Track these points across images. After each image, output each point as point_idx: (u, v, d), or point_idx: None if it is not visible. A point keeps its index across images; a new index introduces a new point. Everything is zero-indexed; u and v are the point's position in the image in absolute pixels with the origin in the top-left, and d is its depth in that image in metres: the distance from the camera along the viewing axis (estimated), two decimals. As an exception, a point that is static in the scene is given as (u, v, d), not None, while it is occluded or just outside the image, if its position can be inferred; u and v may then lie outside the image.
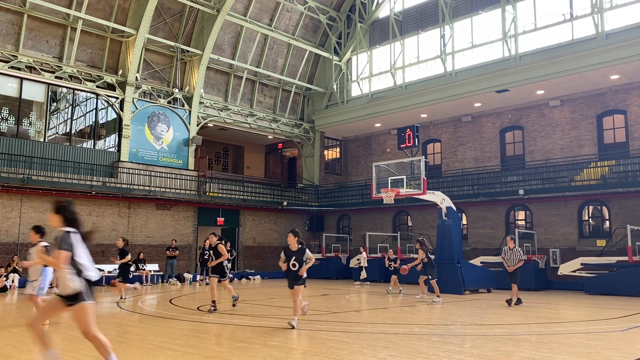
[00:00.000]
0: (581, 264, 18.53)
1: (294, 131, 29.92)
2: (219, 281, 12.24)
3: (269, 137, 30.24)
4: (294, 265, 9.35)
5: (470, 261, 19.62)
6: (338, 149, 31.72)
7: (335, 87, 29.40)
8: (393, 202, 18.46)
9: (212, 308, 11.75)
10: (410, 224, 26.60)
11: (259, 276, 25.20)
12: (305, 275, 9.42)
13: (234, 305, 12.58)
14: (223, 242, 12.81)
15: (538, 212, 21.99)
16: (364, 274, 23.08)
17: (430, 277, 15.33)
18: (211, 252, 12.80)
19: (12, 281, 17.53)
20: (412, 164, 18.45)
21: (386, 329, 9.60)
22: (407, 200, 21.73)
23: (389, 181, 18.40)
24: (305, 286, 9.53)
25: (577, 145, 22.13)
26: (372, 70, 28.36)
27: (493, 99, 23.53)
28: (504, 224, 23.07)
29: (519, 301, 13.65)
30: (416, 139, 20.60)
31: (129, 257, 14.76)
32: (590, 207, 21.28)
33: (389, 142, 28.68)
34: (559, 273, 19.11)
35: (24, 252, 19.14)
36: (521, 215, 23.22)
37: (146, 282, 20.84)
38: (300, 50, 29.04)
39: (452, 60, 24.80)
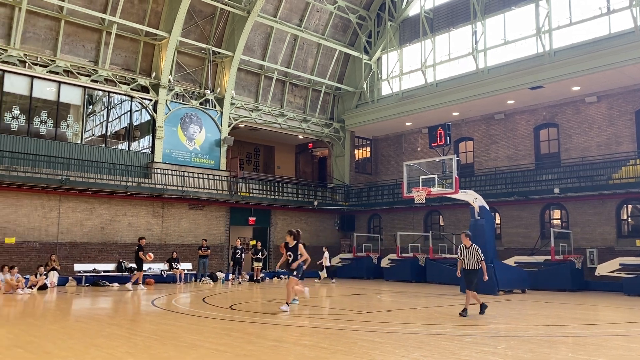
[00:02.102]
0: (620, 264, 17.99)
1: (324, 131, 29.95)
2: None
3: (300, 137, 30.36)
4: None
5: (504, 261, 19.28)
6: (368, 149, 31.62)
7: (365, 86, 29.31)
8: (424, 201, 18.29)
9: None
10: (442, 223, 26.32)
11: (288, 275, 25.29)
12: None
13: None
14: None
15: (574, 211, 21.45)
16: (323, 274, 23.57)
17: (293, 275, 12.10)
18: None
19: (52, 279, 18.03)
20: (443, 162, 18.25)
21: (418, 329, 9.52)
22: (438, 199, 21.52)
23: (420, 180, 18.24)
24: None
25: (614, 142, 21.51)
26: (403, 68, 28.17)
27: (527, 96, 23.08)
28: (538, 223, 22.60)
29: (465, 312, 11.13)
30: (448, 138, 20.37)
31: None
32: (629, 206, 20.64)
33: (420, 141, 28.43)
34: (596, 274, 18.60)
35: (63, 250, 19.73)
36: (557, 214, 22.70)
37: (180, 281, 21.18)
38: (330, 50, 29.05)
39: (484, 57, 24.43)
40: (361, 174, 30.88)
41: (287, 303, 11.71)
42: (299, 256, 11.94)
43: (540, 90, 22.26)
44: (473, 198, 18.14)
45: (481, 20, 24.60)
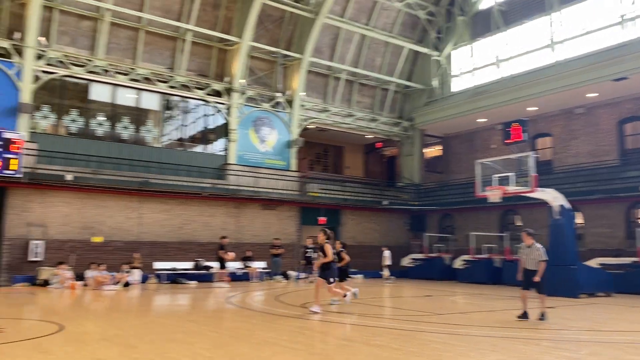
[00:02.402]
0: None
1: (393, 130, 29.70)
2: None
3: (368, 136, 30.27)
4: None
5: (587, 262, 18.30)
6: (439, 147, 31.03)
7: (435, 83, 28.78)
8: (500, 200, 17.71)
9: None
10: (518, 223, 25.34)
11: (362, 275, 25.26)
12: None
13: None
14: None
15: (665, 209, 20.00)
16: (386, 273, 23.27)
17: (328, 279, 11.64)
18: None
19: (135, 277, 19.00)
20: (519, 160, 17.60)
21: (493, 332, 9.23)
22: (514, 198, 20.71)
23: (495, 179, 17.68)
24: None
25: None
26: (475, 63, 27.42)
27: (609, 88, 21.76)
28: (624, 222, 21.26)
29: (543, 315, 10.58)
30: (525, 134, 19.59)
31: None
32: None
33: (494, 138, 27.51)
34: (691, 277, 17.24)
35: (144, 249, 20.74)
36: (645, 213, 21.26)
37: (253, 279, 21.68)
38: (398, 48, 28.76)
39: (562, 49, 23.31)
40: (432, 173, 30.33)
41: (344, 295, 11.93)
42: (321, 256, 11.57)
43: (624, 82, 20.91)
44: (552, 197, 17.37)
45: (558, 10, 23.49)
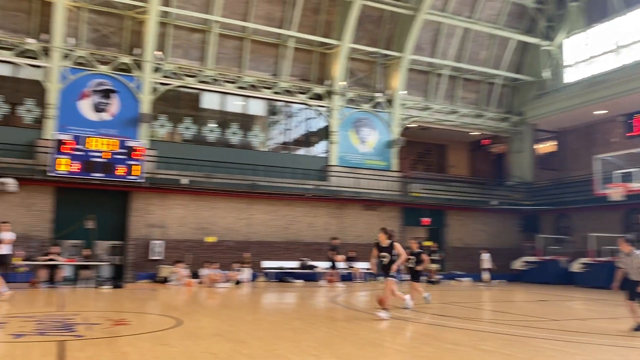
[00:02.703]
0: None
1: (501, 125, 28.40)
2: None
3: (474, 133, 29.20)
4: None
5: None
6: (552, 142, 29.13)
7: (547, 74, 27.09)
8: (622, 198, 16.34)
9: None
10: (645, 223, 23.12)
11: (469, 278, 24.40)
12: None
13: None
14: None
15: None
16: (487, 277, 22.19)
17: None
18: None
19: (245, 275, 19.84)
20: (644, 154, 16.13)
21: (617, 341, 8.49)
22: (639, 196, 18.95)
23: (617, 175, 16.35)
24: None
25: None
26: (591, 51, 25.44)
27: None
28: None
29: None
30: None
31: None
32: None
33: (615, 131, 25.34)
34: None
35: (254, 249, 21.57)
36: None
37: (357, 280, 21.74)
38: (504, 40, 27.45)
39: (694, 29, 20.95)
40: (545, 170, 28.53)
41: (385, 309, 10.57)
42: (396, 257, 10.61)
43: None
44: (685, 193, 15.70)
45: (689, -14, 21.16)
